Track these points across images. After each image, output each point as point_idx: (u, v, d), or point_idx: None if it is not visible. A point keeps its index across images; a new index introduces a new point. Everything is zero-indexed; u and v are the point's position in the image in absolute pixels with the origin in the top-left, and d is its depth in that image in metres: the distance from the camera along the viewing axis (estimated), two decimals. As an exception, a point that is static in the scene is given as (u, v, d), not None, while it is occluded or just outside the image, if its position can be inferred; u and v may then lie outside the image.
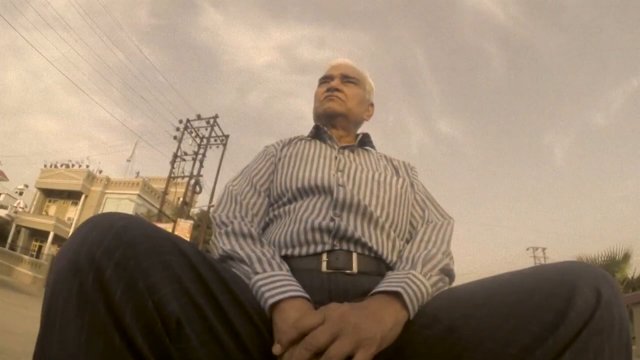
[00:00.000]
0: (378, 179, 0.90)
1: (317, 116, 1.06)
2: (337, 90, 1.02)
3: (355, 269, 0.74)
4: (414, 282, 0.65)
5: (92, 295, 0.45)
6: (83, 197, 24.34)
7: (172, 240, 0.54)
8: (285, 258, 0.76)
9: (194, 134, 14.98)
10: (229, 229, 0.77)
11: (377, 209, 0.84)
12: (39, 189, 25.62)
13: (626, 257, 12.22)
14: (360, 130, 1.09)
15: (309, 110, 1.11)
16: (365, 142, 1.04)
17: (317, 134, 1.03)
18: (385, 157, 1.05)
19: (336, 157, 0.95)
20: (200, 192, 14.72)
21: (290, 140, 1.05)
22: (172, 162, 14.43)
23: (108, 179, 25.03)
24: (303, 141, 1.02)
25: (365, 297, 0.66)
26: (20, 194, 30.51)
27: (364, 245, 0.77)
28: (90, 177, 24.77)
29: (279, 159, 0.97)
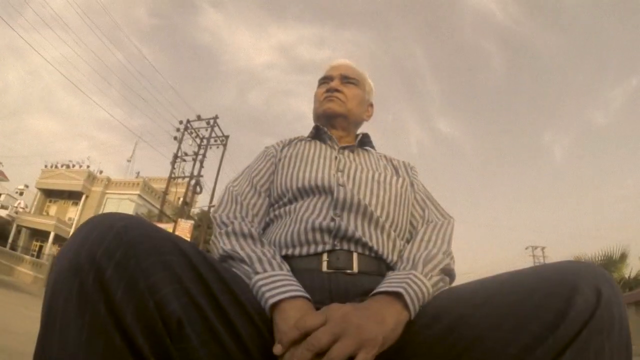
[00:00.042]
0: (378, 178, 0.90)
1: (317, 117, 1.06)
2: (337, 90, 1.02)
3: (355, 268, 0.74)
4: (415, 282, 0.65)
5: (93, 295, 0.45)
6: (84, 197, 24.35)
7: (173, 240, 0.54)
8: (286, 258, 0.76)
9: (194, 135, 14.99)
10: (230, 229, 0.77)
11: (377, 208, 0.84)
12: (40, 189, 25.64)
13: (623, 257, 12.24)
14: (360, 131, 1.09)
15: (309, 110, 1.12)
16: (365, 142, 1.04)
17: (317, 134, 1.04)
18: (385, 157, 1.05)
19: (336, 157, 0.95)
20: (200, 192, 14.74)
21: (291, 141, 1.05)
22: (173, 163, 14.44)
23: (108, 179, 25.03)
24: (303, 142, 1.02)
25: (365, 297, 0.66)
26: (21, 194, 30.55)
27: (364, 245, 0.77)
28: (91, 178, 24.78)
29: (279, 160, 0.97)
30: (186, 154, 14.74)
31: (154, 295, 0.47)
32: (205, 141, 14.98)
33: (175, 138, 14.64)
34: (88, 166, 25.54)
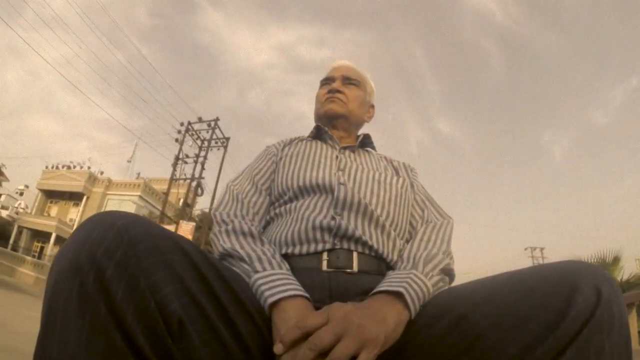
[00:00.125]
0: (379, 178, 0.90)
1: (318, 117, 1.06)
2: (338, 91, 1.03)
3: (355, 267, 0.74)
4: (416, 282, 0.65)
5: (93, 295, 0.45)
6: (85, 198, 24.39)
7: (174, 239, 0.54)
8: (286, 257, 0.76)
9: (195, 137, 15.00)
10: (230, 227, 0.77)
11: (377, 208, 0.84)
12: (41, 190, 25.69)
13: (616, 260, 12.23)
14: (360, 131, 1.09)
15: (309, 110, 1.12)
16: (365, 142, 1.05)
17: (317, 134, 1.04)
18: (385, 158, 1.05)
19: (337, 157, 0.95)
20: (202, 194, 14.74)
21: (291, 141, 1.06)
22: (174, 165, 14.45)
23: (109, 180, 25.08)
24: (304, 141, 1.03)
25: (365, 296, 0.66)
26: (21, 194, 30.61)
27: (364, 244, 0.77)
28: (92, 179, 24.84)
29: (280, 158, 0.97)
30: (187, 156, 14.75)
31: (155, 294, 0.47)
32: (206, 143, 15.00)
33: (176, 140, 14.65)
34: (89, 167, 25.64)
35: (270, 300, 0.60)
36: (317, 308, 0.62)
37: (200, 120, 14.99)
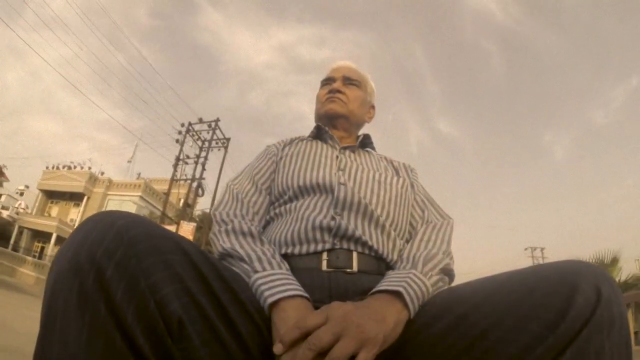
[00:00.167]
0: (379, 178, 0.90)
1: (319, 117, 1.06)
2: (339, 92, 1.03)
3: (355, 267, 0.74)
4: (415, 281, 0.65)
5: (93, 295, 0.45)
6: (85, 198, 24.43)
7: (174, 239, 0.53)
8: (285, 256, 0.76)
9: (195, 137, 15.01)
10: (229, 227, 0.77)
11: (377, 208, 0.84)
12: (41, 190, 25.72)
13: (614, 260, 12.26)
14: (361, 132, 1.09)
15: (310, 110, 1.13)
16: (366, 143, 1.05)
17: (318, 134, 1.04)
18: (385, 158, 1.05)
19: (337, 157, 0.95)
20: (202, 195, 14.75)
21: (292, 140, 1.06)
22: (175, 166, 14.46)
23: (110, 181, 25.12)
24: (304, 141, 1.03)
25: (365, 296, 0.66)
26: (21, 194, 30.62)
27: (364, 244, 0.77)
28: (92, 179, 24.87)
29: (281, 158, 0.97)
30: (188, 157, 14.76)
31: (154, 295, 0.47)
32: (206, 144, 15.01)
33: (177, 141, 14.68)
34: (89, 167, 25.68)
35: (270, 300, 0.60)
36: (316, 308, 0.62)
37: (200, 121, 15.00)
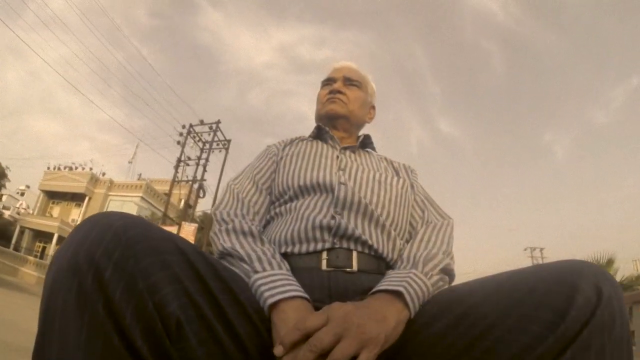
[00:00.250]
0: (379, 178, 0.90)
1: (319, 118, 1.06)
2: (340, 92, 1.03)
3: (355, 267, 0.74)
4: (415, 281, 0.65)
5: (92, 296, 0.44)
6: (87, 199, 24.47)
7: (172, 239, 0.53)
8: (285, 256, 0.76)
9: (196, 139, 15.02)
10: (230, 226, 0.77)
11: (377, 207, 0.84)
12: (43, 190, 25.79)
13: (610, 262, 12.25)
14: (361, 132, 1.09)
15: (310, 110, 1.12)
16: (366, 143, 1.05)
17: (318, 134, 1.04)
18: (385, 159, 1.05)
19: (338, 157, 0.95)
20: (204, 196, 14.75)
21: (292, 140, 1.06)
22: (176, 167, 14.48)
23: (111, 182, 25.18)
24: (305, 141, 1.03)
25: (365, 296, 0.66)
26: (22, 194, 30.69)
27: (364, 243, 0.77)
28: (94, 180, 24.94)
29: (281, 158, 0.97)
30: (189, 158, 14.77)
31: (153, 295, 0.47)
32: (207, 145, 15.02)
33: (178, 142, 14.70)
34: (91, 168, 25.77)
35: (270, 301, 0.60)
36: (316, 307, 0.62)
37: (201, 122, 15.02)
